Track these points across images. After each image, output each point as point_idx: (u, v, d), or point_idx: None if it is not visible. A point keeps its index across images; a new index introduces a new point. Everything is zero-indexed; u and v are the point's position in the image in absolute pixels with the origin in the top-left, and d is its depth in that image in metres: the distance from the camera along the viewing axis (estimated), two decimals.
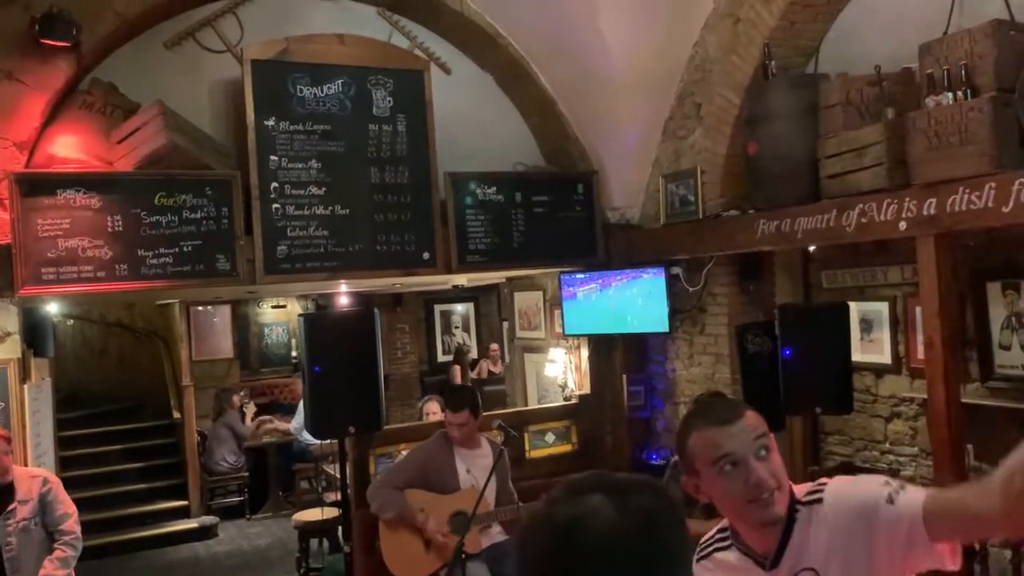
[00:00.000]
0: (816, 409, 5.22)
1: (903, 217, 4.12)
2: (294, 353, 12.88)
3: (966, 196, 3.82)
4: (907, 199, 4.09)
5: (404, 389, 12.42)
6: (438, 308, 13.37)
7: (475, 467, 4.40)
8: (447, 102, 5.86)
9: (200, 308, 11.39)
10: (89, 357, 11.42)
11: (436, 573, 4.23)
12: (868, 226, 4.31)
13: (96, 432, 9.61)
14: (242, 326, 12.38)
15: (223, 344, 11.63)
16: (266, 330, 12.93)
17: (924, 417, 6.65)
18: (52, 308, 7.08)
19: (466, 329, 13.61)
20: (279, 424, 10.09)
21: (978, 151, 3.75)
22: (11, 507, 3.79)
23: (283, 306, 12.96)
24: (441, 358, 13.04)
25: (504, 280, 8.02)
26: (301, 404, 9.92)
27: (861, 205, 4.33)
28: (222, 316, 11.62)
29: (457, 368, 11.15)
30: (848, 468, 5.25)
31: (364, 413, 4.39)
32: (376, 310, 4.39)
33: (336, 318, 4.45)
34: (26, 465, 4.56)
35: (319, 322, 4.30)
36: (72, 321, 11.19)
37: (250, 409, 10.25)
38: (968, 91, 3.84)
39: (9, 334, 4.76)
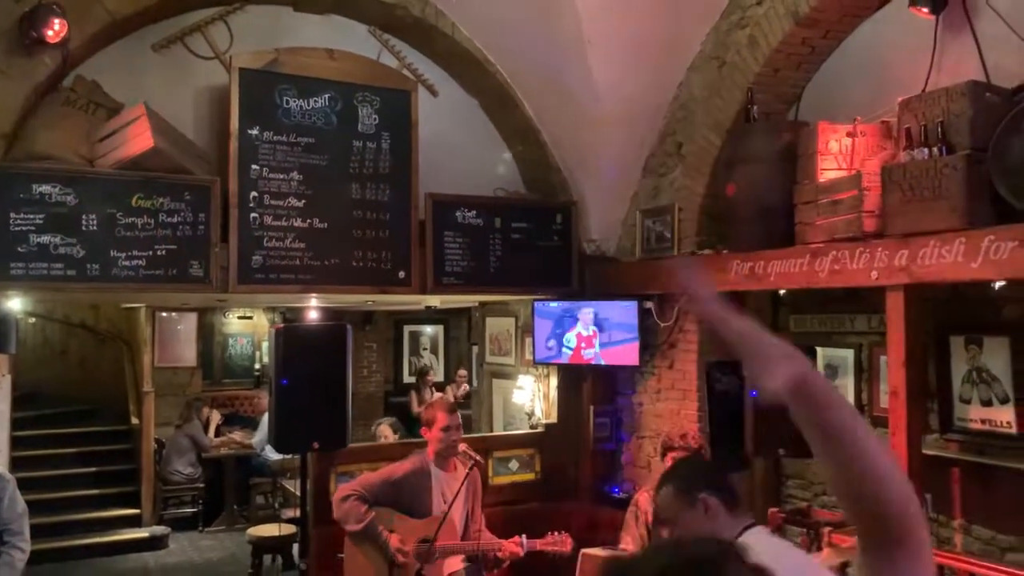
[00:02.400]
0: (780, 451, 5.27)
1: (875, 267, 4.19)
2: (257, 365, 12.75)
3: (936, 250, 3.90)
4: (879, 249, 4.17)
5: (368, 408, 12.31)
6: (407, 329, 13.34)
7: (450, 492, 4.34)
8: (432, 124, 5.89)
9: (166, 314, 11.25)
10: (49, 357, 11.20)
11: None
12: (840, 273, 4.38)
13: (51, 434, 9.41)
14: (207, 335, 12.25)
15: (187, 352, 11.48)
16: (231, 340, 12.79)
17: None
18: (15, 305, 6.96)
19: (434, 351, 13.57)
20: (240, 437, 9.97)
21: (950, 206, 3.84)
22: None
23: (249, 317, 12.84)
24: (407, 379, 12.98)
25: (476, 304, 8.02)
26: (264, 418, 9.89)
27: (834, 252, 4.40)
28: (187, 324, 11.47)
29: (414, 394, 11.07)
30: (806, 512, 5.27)
31: (329, 429, 4.36)
32: (348, 326, 4.36)
33: (307, 332, 4.42)
34: None
35: (291, 335, 4.26)
36: (34, 319, 10.97)
37: (214, 418, 10.12)
38: (943, 148, 3.94)
39: None
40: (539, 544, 4.41)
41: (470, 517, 4.51)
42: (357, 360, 12.29)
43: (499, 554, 4.36)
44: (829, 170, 4.61)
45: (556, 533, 4.47)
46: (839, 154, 4.62)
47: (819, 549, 4.61)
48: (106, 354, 10.95)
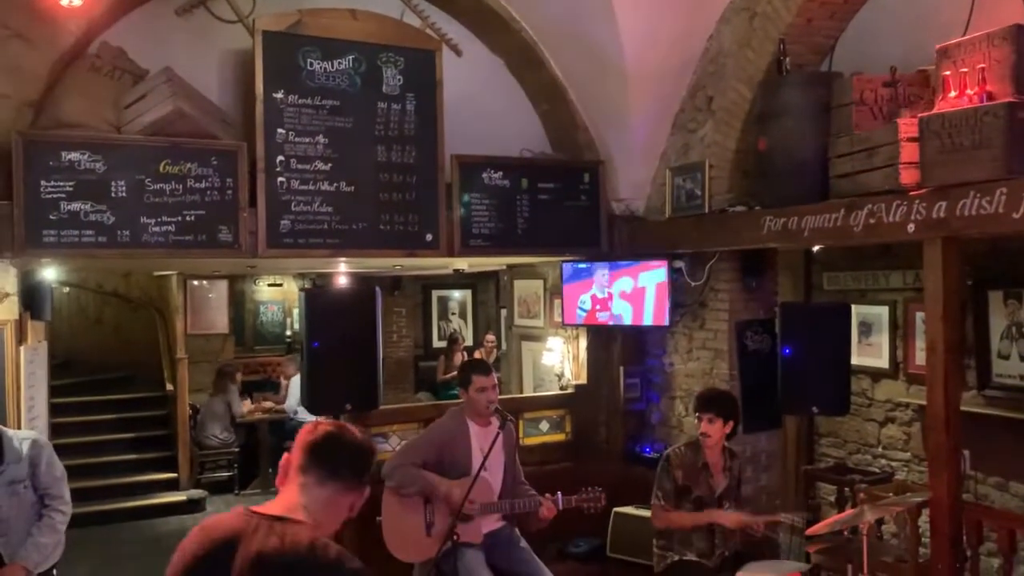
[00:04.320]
0: (812, 409, 5.22)
1: (912, 219, 4.09)
2: (288, 332, 12.87)
3: (976, 201, 3.80)
4: (917, 201, 4.07)
5: (399, 373, 12.40)
6: (436, 293, 13.36)
7: (488, 447, 4.36)
8: (456, 84, 5.81)
9: (197, 283, 11.36)
10: (84, 325, 11.37)
11: (431, 557, 4.20)
12: (876, 227, 4.29)
13: (88, 400, 9.59)
14: (238, 302, 12.36)
15: (219, 319, 11.61)
16: (262, 308, 12.90)
17: (918, 423, 6.65)
18: (49, 274, 7.04)
19: (463, 316, 13.59)
20: (273, 403, 10.10)
21: (991, 156, 3.73)
22: (1, 468, 3.76)
23: (280, 284, 12.94)
24: (436, 343, 13.03)
25: (504, 268, 8.00)
26: (293, 382, 9.99)
27: (870, 206, 4.31)
28: (219, 291, 11.59)
29: (443, 358, 11.10)
30: (841, 470, 5.24)
31: (361, 391, 4.37)
32: (377, 288, 4.35)
33: (337, 295, 4.42)
34: (19, 428, 4.53)
35: (320, 298, 4.28)
36: (68, 289, 11.13)
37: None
38: (984, 95, 3.81)
39: (7, 295, 4.73)
40: (574, 500, 4.43)
41: (508, 472, 4.53)
42: (386, 325, 12.34)
43: (535, 512, 4.38)
44: (865, 122, 4.50)
45: (590, 489, 4.49)
46: (875, 105, 4.50)
47: (853, 506, 4.59)
48: (139, 322, 11.09)
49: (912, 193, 4.10)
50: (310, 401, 4.33)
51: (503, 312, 8.92)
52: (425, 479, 4.33)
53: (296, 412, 9.77)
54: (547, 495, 4.42)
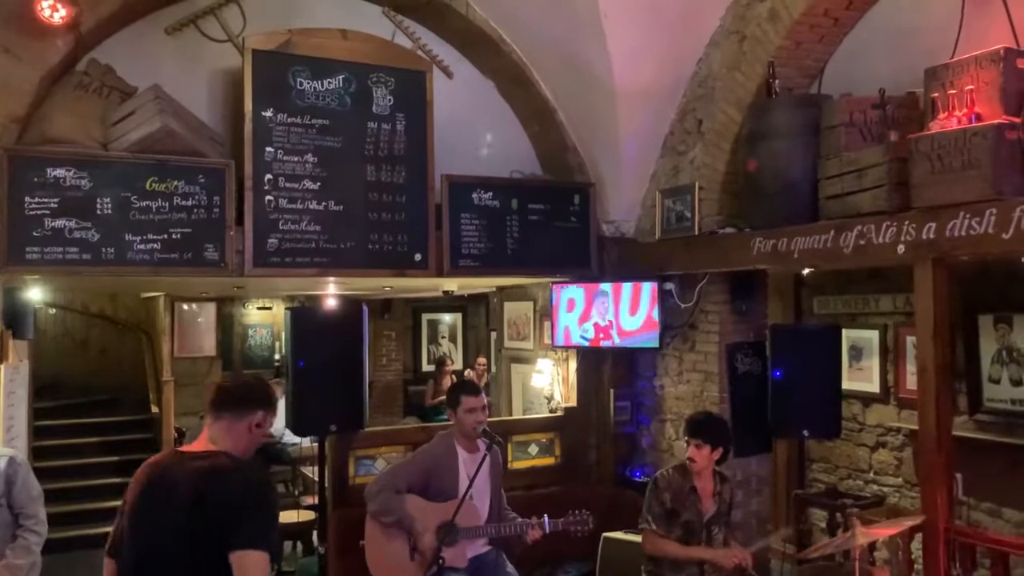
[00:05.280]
0: (803, 432, 5.17)
1: (902, 240, 4.09)
2: (277, 356, 12.77)
3: (966, 221, 3.79)
4: (906, 222, 4.06)
5: (388, 398, 12.30)
6: (426, 317, 13.30)
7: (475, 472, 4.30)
8: (447, 106, 5.81)
9: (185, 306, 11.27)
10: (70, 347, 11.25)
11: None
12: (866, 248, 4.27)
13: (73, 423, 9.46)
14: (226, 325, 12.25)
15: (206, 342, 11.48)
16: (250, 331, 12.81)
17: (910, 448, 6.61)
18: (34, 294, 6.97)
19: (453, 340, 13.52)
20: None
21: (980, 176, 3.73)
22: None
23: (269, 308, 12.85)
24: (426, 367, 12.95)
25: (494, 289, 7.96)
26: (279, 405, 9.89)
27: (859, 227, 4.30)
28: (207, 314, 11.48)
29: (431, 383, 11.01)
30: (832, 494, 5.18)
31: (346, 411, 4.30)
32: (364, 304, 4.30)
33: (323, 314, 4.37)
34: None
35: (306, 316, 4.22)
36: (54, 310, 11.03)
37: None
38: (972, 117, 3.82)
39: None
40: (561, 524, 4.35)
41: (494, 496, 4.47)
42: (376, 349, 12.27)
43: (521, 536, 4.31)
44: (854, 143, 4.50)
45: (577, 512, 4.41)
46: (864, 127, 4.51)
47: (845, 530, 4.52)
48: (126, 344, 10.99)
49: (901, 214, 4.09)
50: (295, 421, 4.26)
51: (493, 335, 8.87)
52: (404, 512, 4.25)
53: (283, 435, 9.67)
54: (534, 518, 4.35)
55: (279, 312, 12.75)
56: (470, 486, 4.07)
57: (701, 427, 4.52)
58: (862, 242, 4.29)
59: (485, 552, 4.47)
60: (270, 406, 2.86)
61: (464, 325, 13.52)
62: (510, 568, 4.44)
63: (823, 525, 5.68)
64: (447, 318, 13.52)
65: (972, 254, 3.85)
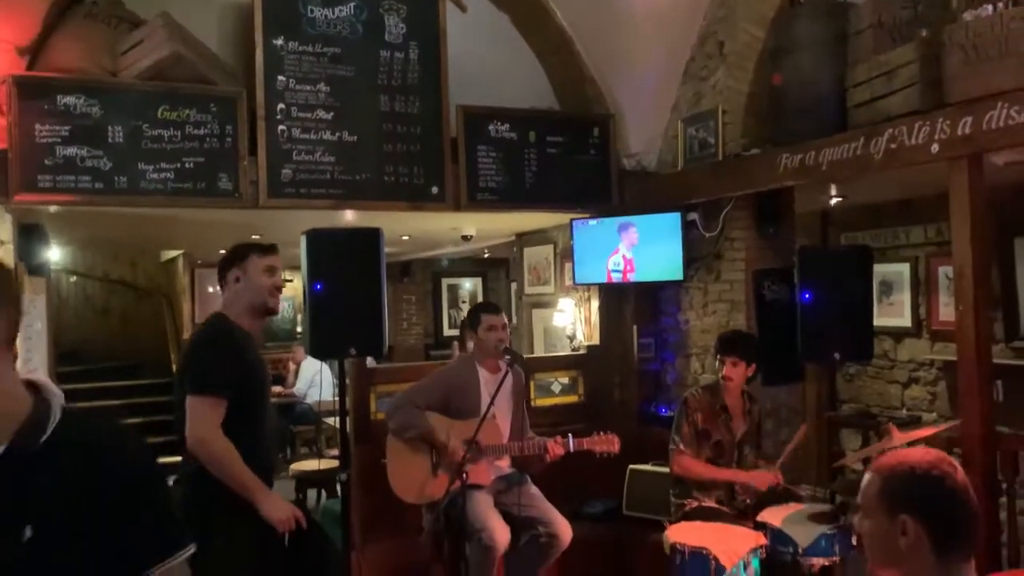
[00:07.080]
0: (835, 356, 5.00)
1: (935, 139, 3.91)
2: (299, 328, 12.74)
3: (1004, 111, 3.62)
4: (940, 119, 3.89)
5: (409, 360, 12.24)
6: (446, 282, 13.23)
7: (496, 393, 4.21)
8: (461, 40, 5.67)
9: (205, 271, 11.24)
10: (91, 315, 11.30)
11: (439, 497, 4.04)
12: (897, 152, 4.11)
13: (96, 387, 9.49)
14: None
15: None
16: None
17: (943, 382, 6.44)
18: (53, 255, 6.96)
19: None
20: (280, 390, 10.00)
21: (1019, 63, 3.56)
22: None
23: (290, 280, 12.75)
24: (447, 331, 12.88)
25: (514, 237, 7.84)
26: (303, 366, 9.87)
27: (890, 130, 4.13)
28: None
29: (456, 345, 10.93)
30: (866, 415, 5.04)
31: (366, 335, 4.18)
32: (380, 229, 4.19)
33: (340, 236, 4.25)
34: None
35: (322, 239, 4.10)
36: (75, 278, 11.07)
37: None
38: (1011, 1, 3.65)
39: (1, 243, 4.61)
40: (586, 443, 4.25)
41: (516, 415, 4.38)
42: (396, 312, 12.21)
43: (544, 455, 4.21)
44: (883, 46, 4.33)
45: (603, 433, 4.31)
46: (893, 28, 4.34)
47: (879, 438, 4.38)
48: (147, 310, 11.02)
49: (935, 111, 3.93)
50: (313, 345, 4.15)
51: (513, 285, 8.76)
52: (426, 424, 4.17)
53: (305, 395, 9.68)
54: (558, 437, 4.25)
55: (298, 285, 12.70)
56: (491, 403, 3.98)
57: (735, 344, 4.42)
58: (893, 146, 4.12)
59: (509, 473, 4.39)
60: None
61: (484, 289, 13.44)
62: (534, 489, 4.35)
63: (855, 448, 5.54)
64: (467, 284, 13.43)
65: (1012, 144, 3.68)
